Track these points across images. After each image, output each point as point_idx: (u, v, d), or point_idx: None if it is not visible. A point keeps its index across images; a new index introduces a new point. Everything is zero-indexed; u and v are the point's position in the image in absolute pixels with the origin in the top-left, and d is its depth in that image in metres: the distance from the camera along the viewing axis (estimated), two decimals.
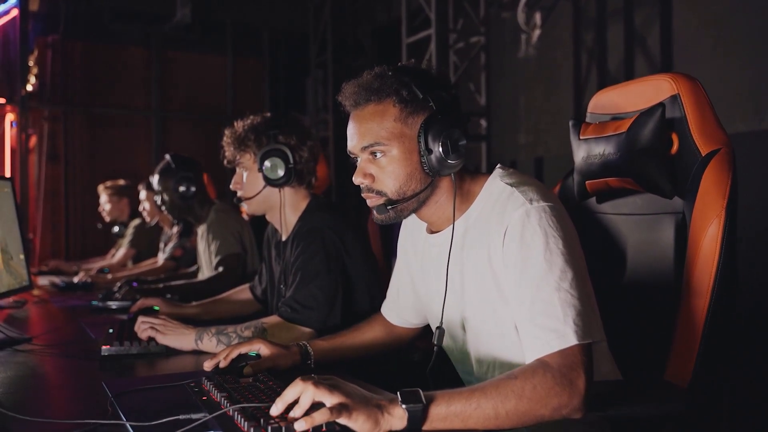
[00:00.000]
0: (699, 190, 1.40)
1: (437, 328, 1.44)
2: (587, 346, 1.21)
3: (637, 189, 1.56)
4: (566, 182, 1.77)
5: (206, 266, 3.23)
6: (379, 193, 1.39)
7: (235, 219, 3.27)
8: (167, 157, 3.30)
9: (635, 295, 1.59)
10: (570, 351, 1.18)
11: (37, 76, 6.50)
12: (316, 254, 1.89)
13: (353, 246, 1.97)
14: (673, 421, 1.36)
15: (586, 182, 1.65)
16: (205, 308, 2.42)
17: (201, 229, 3.29)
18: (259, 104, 7.35)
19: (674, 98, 1.50)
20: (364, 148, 1.39)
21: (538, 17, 5.62)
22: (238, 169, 2.15)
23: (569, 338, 1.19)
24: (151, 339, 1.86)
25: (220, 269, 3.06)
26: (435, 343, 1.44)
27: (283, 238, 2.14)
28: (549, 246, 1.25)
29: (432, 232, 1.51)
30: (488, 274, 1.35)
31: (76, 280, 3.77)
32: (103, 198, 5.26)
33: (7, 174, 6.38)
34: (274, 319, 1.84)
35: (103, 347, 1.79)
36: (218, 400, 1.21)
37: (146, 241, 4.90)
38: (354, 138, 1.41)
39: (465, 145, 1.35)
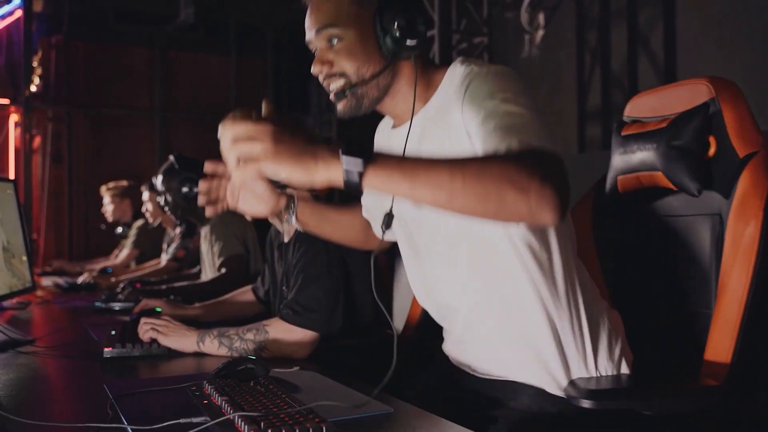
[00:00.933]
0: (736, 192, 1.42)
1: (386, 215, 1.37)
2: (559, 157, 1.12)
3: (666, 186, 1.57)
4: (599, 187, 1.79)
5: (209, 267, 3.23)
6: (341, 75, 1.34)
7: (238, 220, 3.27)
8: (171, 157, 3.30)
9: (671, 295, 1.61)
10: (539, 151, 1.10)
11: (40, 77, 6.52)
12: (317, 256, 1.89)
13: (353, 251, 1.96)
14: (708, 418, 1.37)
15: (618, 177, 1.67)
16: (208, 309, 2.42)
17: (204, 230, 3.30)
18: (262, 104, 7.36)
19: (712, 101, 1.51)
20: (319, 32, 1.34)
21: (541, 17, 5.62)
22: None
23: (535, 142, 1.12)
24: (153, 341, 1.86)
25: (223, 270, 3.07)
26: (383, 228, 1.37)
27: (285, 240, 2.14)
28: (500, 86, 1.22)
29: (395, 127, 1.48)
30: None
31: (79, 280, 3.78)
32: (106, 199, 5.27)
33: (11, 174, 6.40)
34: (276, 321, 1.83)
35: (105, 349, 1.79)
36: (219, 404, 1.20)
37: (149, 242, 4.92)
38: (310, 26, 1.37)
39: (424, 30, 1.32)
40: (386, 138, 1.54)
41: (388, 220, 1.37)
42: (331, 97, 1.38)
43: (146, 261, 4.79)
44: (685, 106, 1.55)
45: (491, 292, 1.38)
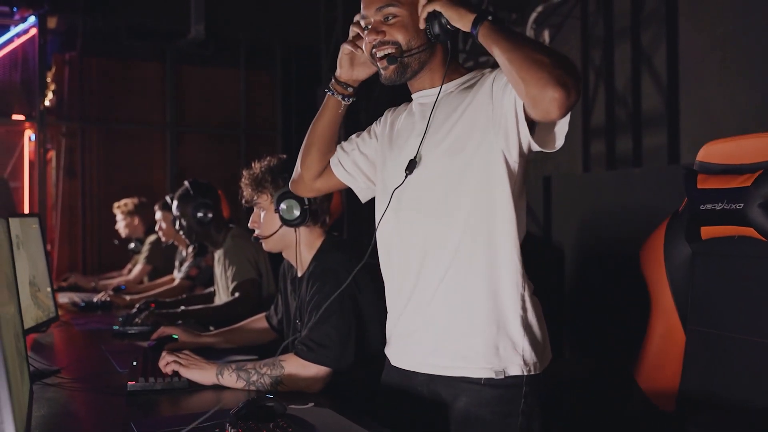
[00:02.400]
0: None
1: (410, 160, 1.63)
2: (578, 69, 1.42)
3: (757, 238, 1.65)
4: (671, 228, 1.87)
5: (223, 291, 3.33)
6: (392, 44, 1.59)
7: (250, 245, 3.36)
8: (186, 183, 3.40)
9: (753, 336, 1.69)
10: (569, 60, 1.40)
11: (54, 93, 6.63)
12: (330, 294, 1.98)
13: (365, 283, 2.05)
14: None
15: (702, 228, 1.75)
16: (223, 337, 2.51)
17: (218, 254, 3.39)
18: (272, 117, 7.45)
19: None
20: (379, 9, 1.60)
21: (546, 35, 5.70)
22: (255, 209, 2.25)
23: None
24: (174, 374, 1.96)
25: (237, 294, 3.16)
26: (406, 172, 1.64)
27: (299, 274, 2.24)
28: None
29: (415, 92, 1.73)
30: (464, 125, 1.58)
31: (95, 299, 3.88)
32: (118, 216, 5.38)
33: (26, 187, 6.53)
34: (291, 356, 1.93)
35: (129, 383, 1.89)
36: None
37: (162, 258, 5.02)
38: (370, 4, 1.62)
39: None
40: (404, 110, 1.80)
41: (412, 165, 1.63)
42: (380, 64, 1.63)
43: (159, 276, 4.89)
44: (763, 157, 1.66)
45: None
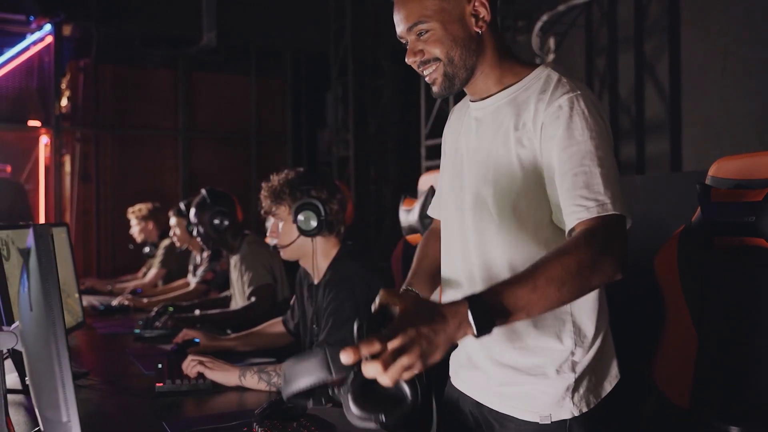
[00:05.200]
0: None
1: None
2: (624, 220, 1.34)
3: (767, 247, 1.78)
4: (684, 236, 1.99)
5: (239, 295, 3.45)
6: (434, 60, 1.51)
7: (265, 250, 3.48)
8: (203, 191, 3.53)
9: (762, 338, 1.80)
10: (610, 218, 1.31)
11: (69, 99, 6.78)
12: (346, 301, 2.10)
13: (379, 288, 2.17)
14: None
15: (715, 237, 1.88)
16: (242, 340, 2.63)
17: (234, 260, 3.51)
18: (282, 123, 7.59)
19: None
20: (410, 29, 1.51)
21: (551, 42, 5.81)
22: (273, 219, 2.37)
23: (609, 207, 1.32)
24: (199, 376, 2.08)
25: (253, 299, 3.28)
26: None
27: (315, 282, 2.36)
28: (593, 128, 1.38)
29: (473, 101, 1.62)
30: (512, 150, 1.47)
31: (114, 303, 4.01)
32: (132, 221, 5.50)
33: (41, 192, 6.68)
34: None
35: (157, 385, 2.02)
36: None
37: (176, 262, 5.13)
38: (400, 23, 1.53)
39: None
40: (465, 114, 1.68)
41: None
42: (427, 80, 1.55)
43: (173, 280, 5.01)
44: None
45: None
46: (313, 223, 2.25)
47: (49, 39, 6.49)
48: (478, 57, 1.52)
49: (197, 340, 2.55)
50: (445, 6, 1.49)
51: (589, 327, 1.50)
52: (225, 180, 6.47)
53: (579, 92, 1.43)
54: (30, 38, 6.56)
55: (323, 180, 2.32)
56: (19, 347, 1.24)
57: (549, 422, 1.48)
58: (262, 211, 2.39)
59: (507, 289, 1.19)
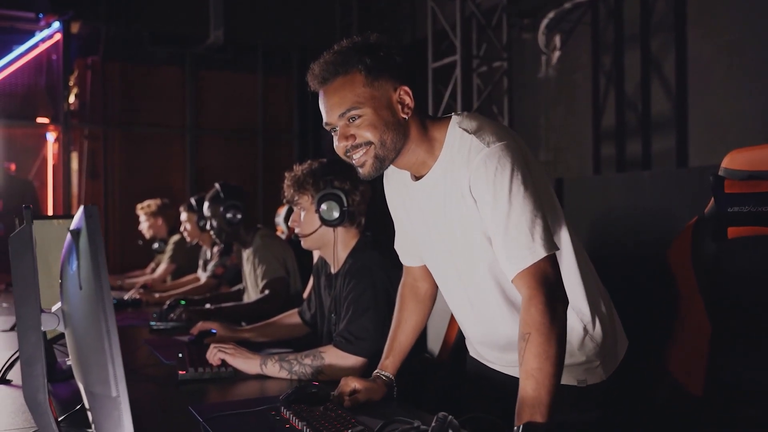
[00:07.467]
0: None
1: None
2: (554, 256, 1.49)
3: None
4: (698, 227, 2.03)
5: (252, 288, 3.48)
6: (366, 144, 1.57)
7: (278, 243, 3.53)
8: (216, 185, 3.57)
9: None
10: (542, 262, 1.47)
11: (77, 96, 6.82)
12: (366, 290, 2.13)
13: (398, 281, 2.20)
14: None
15: (729, 228, 1.92)
16: (259, 331, 2.66)
17: (246, 253, 3.55)
18: (289, 121, 7.63)
19: None
20: (342, 115, 1.57)
21: (557, 39, 5.84)
22: (296, 209, 2.40)
23: (539, 252, 1.47)
24: (222, 363, 2.11)
25: (267, 292, 3.31)
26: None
27: (334, 271, 2.39)
28: (511, 178, 1.49)
29: (416, 179, 1.71)
30: (465, 211, 1.60)
31: (126, 297, 4.04)
32: (141, 218, 5.55)
33: (50, 189, 6.72)
34: (330, 348, 2.08)
35: (180, 372, 2.05)
36: (300, 428, 1.45)
37: (186, 257, 5.17)
38: (330, 110, 1.58)
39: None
40: (407, 190, 1.77)
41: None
42: (356, 163, 1.61)
43: (182, 275, 5.05)
44: None
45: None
46: (336, 214, 2.29)
47: (58, 36, 6.54)
48: (405, 139, 1.60)
49: (214, 330, 2.58)
50: (375, 94, 1.56)
51: (584, 307, 1.70)
52: (231, 177, 6.50)
53: (490, 146, 1.52)
54: (39, 36, 6.61)
55: (346, 171, 2.35)
56: (60, 328, 1.27)
57: (585, 386, 1.71)
58: (285, 201, 2.42)
59: (530, 409, 1.38)
